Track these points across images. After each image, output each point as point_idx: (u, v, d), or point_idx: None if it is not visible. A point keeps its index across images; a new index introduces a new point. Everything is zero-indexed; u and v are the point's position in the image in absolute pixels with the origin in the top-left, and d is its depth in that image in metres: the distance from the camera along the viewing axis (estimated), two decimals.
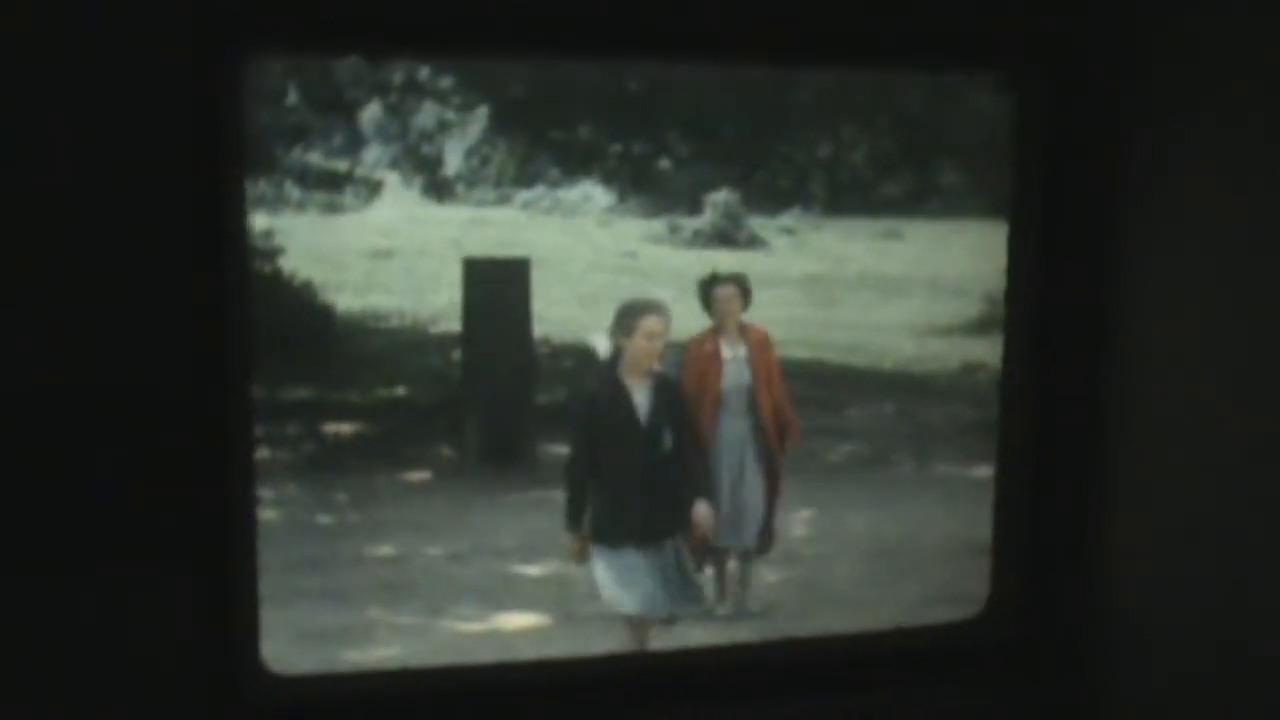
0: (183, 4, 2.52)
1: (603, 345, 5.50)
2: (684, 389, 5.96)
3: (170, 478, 2.61)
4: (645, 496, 5.38)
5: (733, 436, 6.53)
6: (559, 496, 5.68)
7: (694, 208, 15.02)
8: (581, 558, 5.39)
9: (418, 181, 13.42)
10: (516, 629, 6.34)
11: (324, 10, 2.66)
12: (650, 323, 5.35)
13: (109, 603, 2.61)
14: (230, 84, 2.58)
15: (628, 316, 5.39)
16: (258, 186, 11.35)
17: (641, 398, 5.40)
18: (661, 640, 5.47)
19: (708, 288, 6.58)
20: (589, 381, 5.71)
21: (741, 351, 6.54)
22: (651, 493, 5.40)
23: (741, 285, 6.59)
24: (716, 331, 6.51)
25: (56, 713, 2.63)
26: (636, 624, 5.46)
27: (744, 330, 6.58)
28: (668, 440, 5.44)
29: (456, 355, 10.11)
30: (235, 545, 2.68)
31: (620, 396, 5.36)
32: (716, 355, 6.47)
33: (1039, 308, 3.29)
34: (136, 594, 2.63)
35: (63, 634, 2.60)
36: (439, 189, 13.48)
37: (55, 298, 2.52)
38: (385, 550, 7.38)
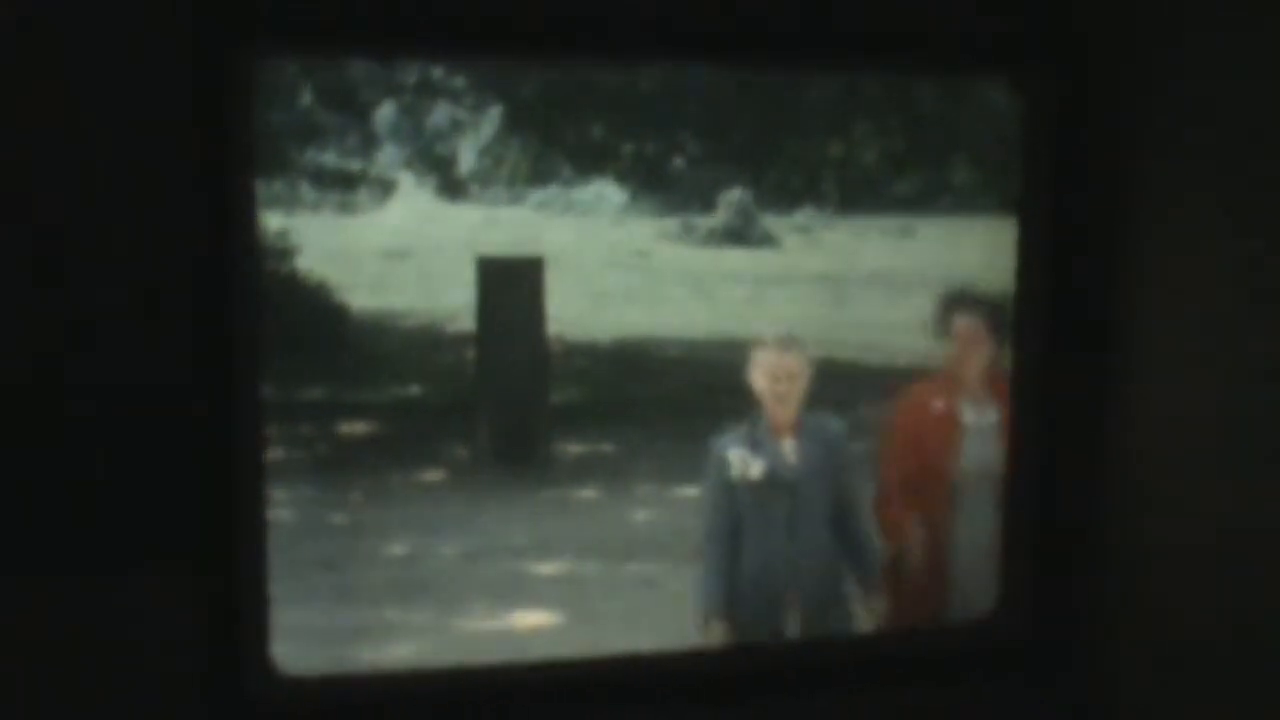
0: (194, 5, 2.54)
1: None
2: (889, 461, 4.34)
3: (179, 479, 2.63)
4: None
5: (973, 540, 4.14)
6: (573, 496, 5.62)
7: (707, 206, 15.03)
8: None
9: (431, 181, 13.44)
10: (530, 628, 6.34)
11: (334, 12, 2.68)
12: None
13: (119, 603, 2.63)
14: (241, 85, 2.60)
15: None
16: (272, 187, 11.38)
17: None
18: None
19: (946, 313, 4.38)
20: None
21: (991, 416, 4.15)
22: None
23: (995, 319, 4.19)
24: (953, 381, 4.30)
25: (68, 712, 2.64)
26: None
27: (997, 383, 4.12)
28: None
29: (470, 354, 10.13)
30: (244, 545, 2.70)
31: None
32: (952, 419, 4.25)
33: (1048, 307, 3.29)
34: (146, 594, 2.64)
35: (73, 633, 2.62)
36: (452, 189, 13.50)
37: (67, 299, 2.54)
38: (398, 549, 7.39)
